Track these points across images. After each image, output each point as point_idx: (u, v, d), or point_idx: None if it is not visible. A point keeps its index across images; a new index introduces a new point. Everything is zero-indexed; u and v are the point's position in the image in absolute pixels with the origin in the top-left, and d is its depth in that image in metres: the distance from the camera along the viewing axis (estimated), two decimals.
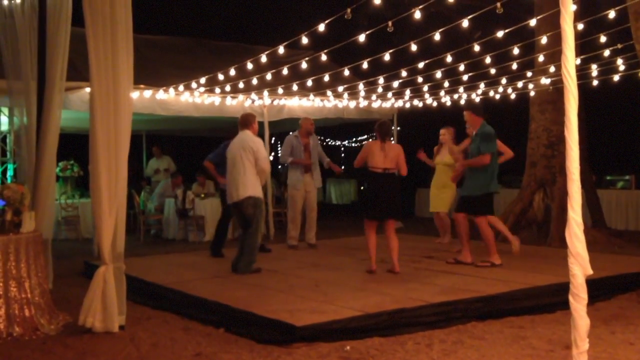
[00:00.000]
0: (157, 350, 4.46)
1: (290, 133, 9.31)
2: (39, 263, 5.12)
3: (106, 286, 4.87)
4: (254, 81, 8.78)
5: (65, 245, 10.41)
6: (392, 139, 6.89)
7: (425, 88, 9.71)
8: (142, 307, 5.80)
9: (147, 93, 9.13)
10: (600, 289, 5.80)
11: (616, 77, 8.90)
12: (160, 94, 9.26)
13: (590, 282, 3.47)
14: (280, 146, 25.14)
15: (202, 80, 8.75)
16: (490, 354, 4.25)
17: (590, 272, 3.42)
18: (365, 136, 23.38)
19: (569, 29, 3.25)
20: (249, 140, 6.98)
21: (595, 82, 9.17)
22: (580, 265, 3.39)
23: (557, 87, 9.27)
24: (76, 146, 10.41)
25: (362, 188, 6.72)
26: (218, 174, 8.17)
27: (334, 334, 4.58)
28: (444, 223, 8.98)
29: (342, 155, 26.81)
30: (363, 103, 11.28)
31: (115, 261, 4.96)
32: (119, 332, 4.86)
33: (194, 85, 8.97)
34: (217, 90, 9.36)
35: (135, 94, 8.69)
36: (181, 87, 9.07)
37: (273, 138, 21.64)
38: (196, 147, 19.76)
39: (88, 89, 5.47)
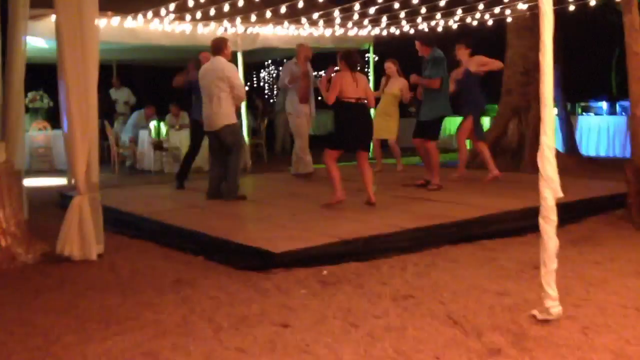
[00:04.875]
0: (136, 277, 4.51)
1: (286, 60, 9.07)
2: (12, 194, 5.06)
3: (82, 215, 4.87)
4: (226, 7, 8.51)
5: (38, 177, 10.29)
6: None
7: (402, 15, 9.53)
8: (120, 236, 5.82)
9: (115, 21, 8.82)
10: (570, 212, 5.95)
11: (592, 1, 8.81)
12: (129, 22, 8.95)
13: (561, 206, 3.56)
14: (255, 77, 24.80)
15: (172, 7, 8.46)
16: (462, 275, 4.38)
17: (561, 194, 3.50)
18: None
19: None
20: (222, 67, 6.85)
21: (571, 7, 9.07)
22: (550, 188, 3.47)
23: (535, 13, 9.17)
24: (45, 77, 10.12)
25: (340, 118, 6.48)
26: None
27: (312, 260, 4.66)
28: (395, 151, 9.60)
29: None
30: (339, 31, 11.05)
31: (91, 191, 4.94)
32: (97, 260, 4.90)
33: (163, 12, 8.67)
34: (188, 17, 9.07)
35: (102, 22, 8.39)
36: (150, 15, 8.76)
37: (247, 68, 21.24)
38: (168, 78, 19.34)
39: (54, 17, 5.27)
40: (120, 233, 5.91)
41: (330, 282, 4.27)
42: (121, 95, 13.12)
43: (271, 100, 21.00)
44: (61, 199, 7.36)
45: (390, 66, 9.40)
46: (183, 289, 4.16)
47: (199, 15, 8.80)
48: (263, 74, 24.42)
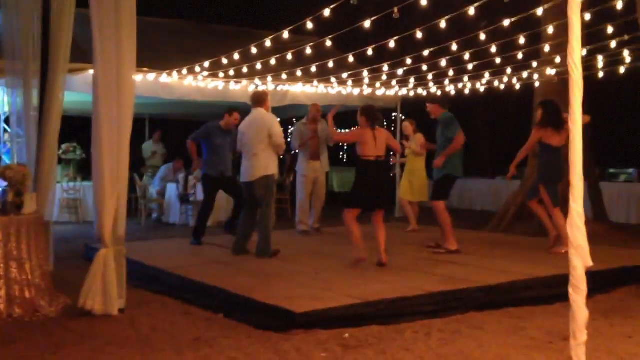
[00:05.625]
0: (156, 334, 4.47)
1: (295, 120, 9.39)
2: (39, 245, 5.12)
3: (106, 269, 4.87)
4: (258, 66, 8.73)
5: (66, 228, 10.43)
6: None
7: (430, 76, 9.64)
8: (142, 291, 5.81)
9: (151, 76, 9.08)
10: (600, 282, 5.76)
11: (622, 70, 8.83)
12: (164, 78, 9.21)
13: (590, 275, 3.46)
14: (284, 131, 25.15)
15: (206, 64, 8.71)
16: (489, 344, 4.25)
17: (591, 263, 3.41)
18: None
19: (576, 18, 3.21)
20: (263, 118, 7.02)
21: (600, 74, 9.08)
22: (580, 256, 3.38)
23: (563, 79, 9.20)
24: (80, 129, 10.40)
25: (358, 177, 6.51)
26: (197, 155, 8.26)
27: (333, 321, 4.59)
28: (414, 211, 9.61)
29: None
30: (367, 91, 11.21)
31: (116, 244, 4.97)
32: (118, 315, 4.87)
33: (197, 69, 8.92)
34: (221, 75, 9.31)
35: (138, 77, 8.63)
36: (185, 71, 9.02)
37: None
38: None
39: (92, 71, 5.44)
40: (142, 286, 5.91)
41: (351, 346, 4.18)
42: (159, 148, 13.44)
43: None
44: (87, 251, 7.42)
45: (407, 126, 9.73)
46: (202, 349, 4.10)
47: (232, 72, 9.03)
48: (291, 129, 24.72)
